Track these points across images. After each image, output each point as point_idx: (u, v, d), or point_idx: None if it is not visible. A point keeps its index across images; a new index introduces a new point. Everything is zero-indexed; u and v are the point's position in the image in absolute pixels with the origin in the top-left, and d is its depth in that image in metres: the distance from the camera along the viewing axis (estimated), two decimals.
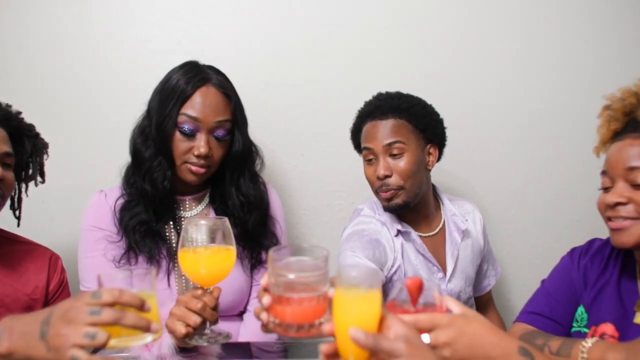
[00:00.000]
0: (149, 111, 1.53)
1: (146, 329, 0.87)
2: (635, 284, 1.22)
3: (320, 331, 0.83)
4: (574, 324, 1.29)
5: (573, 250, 1.37)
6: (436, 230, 1.70)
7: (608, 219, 1.18)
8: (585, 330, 1.25)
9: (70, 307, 0.86)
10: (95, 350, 0.88)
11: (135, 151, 1.53)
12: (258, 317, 0.90)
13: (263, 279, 0.89)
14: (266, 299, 0.87)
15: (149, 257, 1.48)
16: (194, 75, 1.48)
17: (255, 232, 1.55)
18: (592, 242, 1.35)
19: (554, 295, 1.33)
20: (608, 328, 1.21)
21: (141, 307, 0.87)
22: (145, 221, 1.49)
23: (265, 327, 0.90)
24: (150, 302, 0.89)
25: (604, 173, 1.19)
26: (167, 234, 1.52)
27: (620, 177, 1.15)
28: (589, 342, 1.09)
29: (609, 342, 1.12)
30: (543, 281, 1.38)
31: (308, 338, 0.87)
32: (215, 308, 1.15)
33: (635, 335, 1.13)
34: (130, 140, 1.55)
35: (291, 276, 0.84)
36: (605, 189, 1.19)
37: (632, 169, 1.13)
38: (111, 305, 0.86)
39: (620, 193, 1.14)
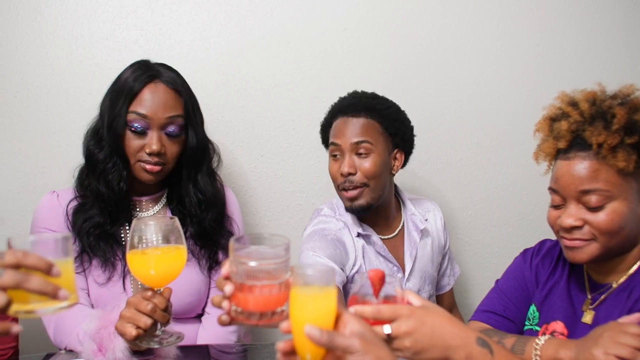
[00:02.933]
0: (101, 112, 1.51)
1: (53, 295, 0.81)
2: (584, 285, 1.25)
3: (281, 320, 0.83)
4: (527, 322, 1.32)
5: (525, 251, 1.40)
6: (396, 232, 1.72)
7: (561, 236, 1.19)
8: (537, 328, 1.28)
9: None
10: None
11: (88, 153, 1.50)
12: (218, 306, 0.90)
13: (224, 267, 0.89)
14: (229, 287, 0.86)
15: (104, 260, 1.45)
16: (142, 72, 1.47)
17: (212, 230, 1.54)
18: (542, 242, 1.39)
19: (507, 295, 1.35)
20: (558, 326, 1.24)
21: (48, 271, 0.81)
22: (100, 224, 1.46)
23: (226, 317, 0.90)
24: (64, 268, 0.84)
25: (553, 191, 1.19)
26: (122, 236, 1.49)
27: (572, 198, 1.15)
28: (541, 340, 1.12)
29: (561, 339, 1.15)
30: (497, 281, 1.41)
31: (269, 326, 0.87)
32: (166, 309, 1.13)
33: (583, 333, 1.16)
34: (84, 143, 1.52)
35: (253, 264, 0.84)
36: (556, 206, 1.19)
37: (585, 192, 1.13)
38: (15, 267, 0.80)
39: (576, 215, 1.14)
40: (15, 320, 1.22)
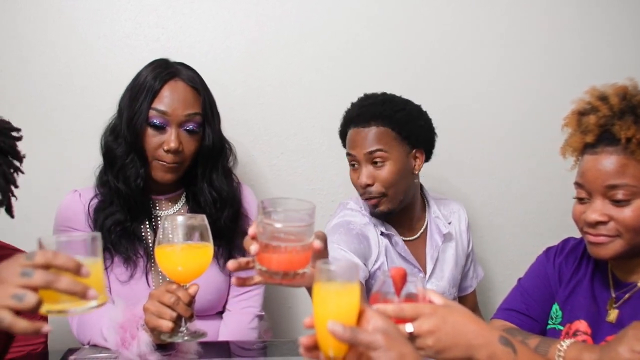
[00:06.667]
0: (120, 109, 1.52)
1: (82, 294, 0.82)
2: (608, 283, 1.23)
3: (303, 282, 0.91)
4: (549, 322, 1.31)
5: (548, 249, 1.39)
6: (418, 234, 1.71)
7: (586, 232, 1.17)
8: (560, 327, 1.27)
9: (3, 268, 0.83)
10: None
11: (106, 149, 1.52)
12: (242, 267, 0.99)
13: (251, 228, 0.93)
14: (254, 247, 0.91)
15: (126, 257, 1.46)
16: (162, 70, 1.49)
17: (227, 229, 1.53)
18: (566, 241, 1.37)
19: (530, 293, 1.34)
20: (581, 325, 1.22)
21: (77, 271, 0.82)
22: (121, 221, 1.48)
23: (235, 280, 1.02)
24: (93, 268, 0.85)
25: (579, 185, 1.18)
26: (143, 233, 1.51)
27: (598, 193, 1.13)
28: (566, 343, 1.11)
29: (585, 343, 1.14)
30: (519, 279, 1.40)
31: (291, 285, 0.95)
32: (189, 304, 1.14)
33: (607, 333, 1.15)
34: (101, 139, 1.54)
35: (278, 225, 0.89)
36: (581, 199, 1.17)
37: (612, 187, 1.11)
38: (45, 267, 0.81)
39: (601, 210, 1.12)
40: (44, 319, 1.24)
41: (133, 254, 1.47)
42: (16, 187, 1.27)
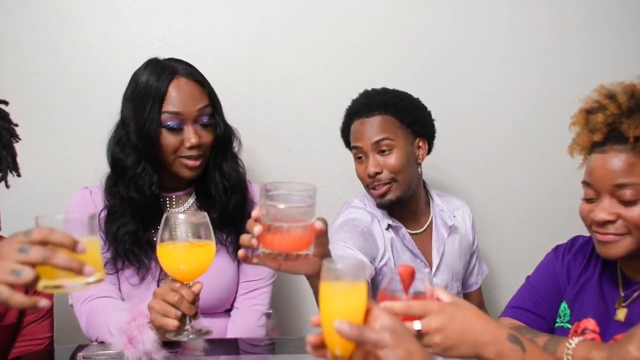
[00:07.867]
0: (123, 120, 1.51)
1: (78, 270, 0.83)
2: (617, 281, 1.23)
3: (306, 264, 0.96)
4: (557, 320, 1.30)
5: (557, 247, 1.38)
6: (424, 228, 1.72)
7: (594, 231, 1.17)
8: (569, 325, 1.27)
9: (2, 245, 0.84)
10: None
11: (115, 161, 1.50)
12: (247, 244, 0.98)
13: (255, 211, 0.96)
14: (258, 228, 0.94)
15: (138, 265, 1.46)
16: (160, 71, 1.47)
17: (235, 214, 1.53)
18: (575, 239, 1.36)
19: (538, 291, 1.34)
20: (590, 323, 1.22)
21: (73, 247, 0.84)
22: (134, 232, 1.47)
23: (243, 251, 1.01)
24: (89, 246, 0.86)
25: (587, 184, 1.17)
26: (155, 237, 1.49)
27: (606, 192, 1.13)
28: (574, 341, 1.10)
29: (594, 342, 1.13)
30: (528, 277, 1.40)
31: (293, 269, 1.00)
32: (193, 302, 1.14)
33: (616, 332, 1.15)
34: (108, 152, 1.52)
35: (280, 206, 0.92)
36: (589, 200, 1.17)
37: (620, 185, 1.11)
38: (42, 244, 0.83)
39: (609, 210, 1.12)
40: (47, 296, 1.24)
41: (146, 262, 1.47)
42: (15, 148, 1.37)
